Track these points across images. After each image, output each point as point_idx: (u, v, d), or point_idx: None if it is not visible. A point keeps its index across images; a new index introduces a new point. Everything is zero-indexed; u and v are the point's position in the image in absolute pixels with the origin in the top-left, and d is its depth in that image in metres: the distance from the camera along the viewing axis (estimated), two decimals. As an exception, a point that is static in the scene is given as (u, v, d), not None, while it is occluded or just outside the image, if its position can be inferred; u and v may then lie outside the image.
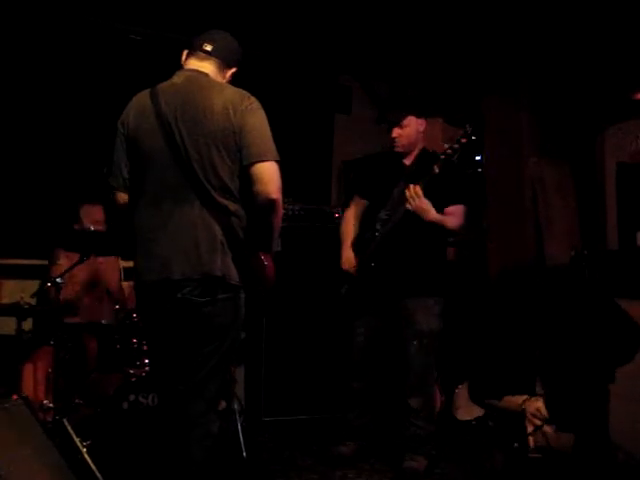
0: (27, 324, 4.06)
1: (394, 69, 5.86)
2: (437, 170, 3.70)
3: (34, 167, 4.72)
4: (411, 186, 3.73)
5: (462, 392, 4.67)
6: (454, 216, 3.89)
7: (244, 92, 2.68)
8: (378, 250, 3.90)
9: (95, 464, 3.17)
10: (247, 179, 2.60)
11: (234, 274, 2.60)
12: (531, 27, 4.97)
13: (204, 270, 2.56)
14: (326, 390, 4.85)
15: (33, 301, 4.18)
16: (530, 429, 3.37)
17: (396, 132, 3.92)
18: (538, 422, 3.36)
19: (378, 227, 3.92)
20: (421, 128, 3.99)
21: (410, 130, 3.92)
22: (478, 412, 4.43)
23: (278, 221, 2.67)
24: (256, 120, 2.62)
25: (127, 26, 4.93)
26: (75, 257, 3.93)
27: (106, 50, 4.92)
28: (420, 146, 4.02)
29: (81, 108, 4.85)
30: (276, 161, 2.61)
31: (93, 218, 4.30)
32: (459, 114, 6.21)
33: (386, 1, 4.73)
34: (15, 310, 3.74)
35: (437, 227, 3.83)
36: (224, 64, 2.79)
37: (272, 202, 2.58)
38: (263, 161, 2.58)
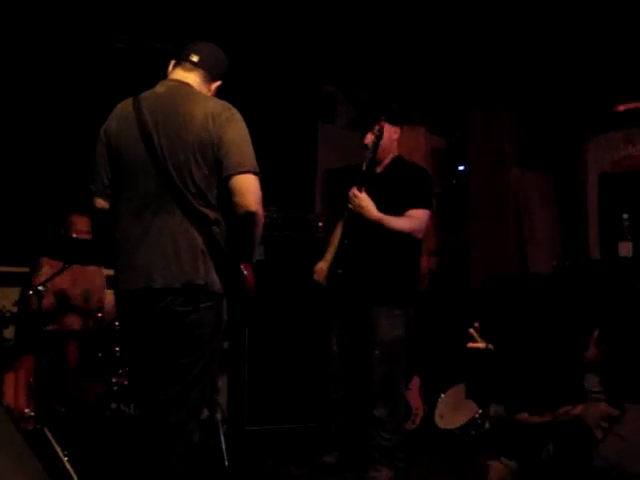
0: (9, 332, 4.03)
1: (378, 79, 5.89)
2: (364, 167, 3.70)
3: (17, 174, 4.68)
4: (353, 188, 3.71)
5: (445, 400, 4.62)
6: (409, 218, 3.77)
7: (226, 103, 2.67)
8: (340, 256, 3.83)
9: (76, 473, 3.16)
10: (226, 191, 2.59)
11: (216, 282, 2.59)
12: (514, 41, 5.02)
13: (186, 279, 2.55)
14: (310, 399, 4.83)
15: (15, 309, 4.15)
16: (600, 435, 3.09)
17: (368, 138, 3.78)
18: (605, 425, 3.09)
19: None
20: (395, 136, 3.90)
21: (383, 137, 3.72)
22: (462, 421, 4.38)
23: (258, 232, 2.66)
24: (235, 131, 2.61)
25: (112, 34, 4.91)
26: (58, 265, 3.91)
27: (91, 58, 4.90)
28: (394, 154, 3.94)
29: (67, 116, 4.81)
30: (255, 173, 2.60)
31: (79, 228, 4.28)
32: (442, 123, 6.26)
33: (371, 11, 4.75)
34: (-3, 318, 3.71)
35: (381, 227, 3.71)
36: (209, 76, 2.79)
37: (251, 214, 2.57)
38: (242, 173, 2.57)
